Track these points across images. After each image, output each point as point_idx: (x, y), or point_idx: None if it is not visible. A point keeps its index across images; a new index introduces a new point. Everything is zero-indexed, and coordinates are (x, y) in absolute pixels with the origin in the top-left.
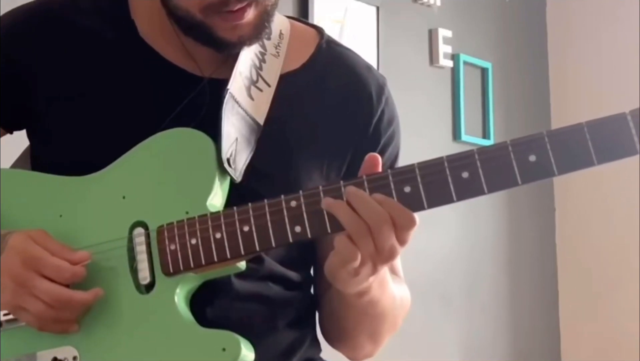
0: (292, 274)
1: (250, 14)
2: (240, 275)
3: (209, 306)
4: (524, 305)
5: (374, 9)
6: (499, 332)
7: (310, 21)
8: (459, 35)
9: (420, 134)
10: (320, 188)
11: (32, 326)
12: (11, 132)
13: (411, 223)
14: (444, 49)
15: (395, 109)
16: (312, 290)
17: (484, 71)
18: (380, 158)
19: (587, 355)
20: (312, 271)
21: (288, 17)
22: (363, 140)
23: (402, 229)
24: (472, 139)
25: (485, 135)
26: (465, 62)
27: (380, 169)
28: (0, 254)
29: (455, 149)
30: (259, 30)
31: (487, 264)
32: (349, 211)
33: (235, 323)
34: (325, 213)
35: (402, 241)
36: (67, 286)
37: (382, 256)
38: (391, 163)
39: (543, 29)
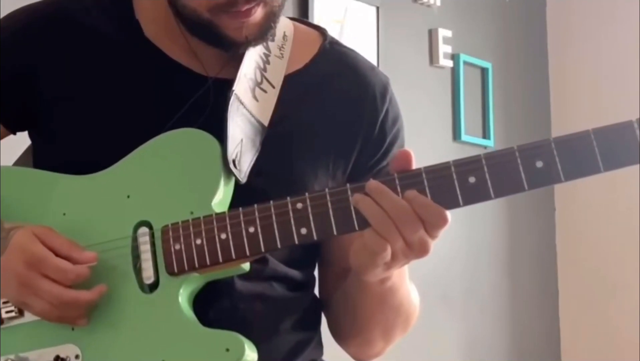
0: (296, 274)
1: (257, 14)
2: (245, 276)
3: (212, 307)
4: (524, 305)
5: (374, 9)
6: (499, 332)
7: (310, 21)
8: (459, 35)
9: (420, 134)
10: (327, 190)
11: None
12: (14, 133)
13: (442, 220)
14: (444, 49)
15: (399, 108)
16: (316, 290)
17: (484, 71)
18: (412, 153)
19: (587, 355)
20: (316, 272)
21: (291, 18)
22: (369, 140)
23: (432, 227)
24: (472, 139)
25: (485, 135)
26: (465, 62)
27: (413, 165)
28: (5, 249)
29: (455, 149)
30: (265, 30)
31: (487, 264)
32: (373, 204)
33: (239, 323)
34: (331, 215)
35: (433, 237)
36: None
37: (413, 251)
38: None
39: (543, 29)
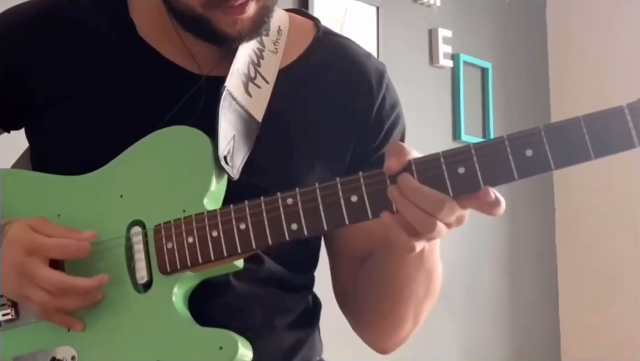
0: (293, 276)
1: (250, 9)
2: (240, 276)
3: (209, 308)
4: (524, 305)
5: (374, 8)
6: (499, 332)
7: (306, 11)
8: (459, 35)
9: (420, 134)
10: (317, 185)
11: (37, 316)
12: (8, 132)
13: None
14: (444, 49)
15: (396, 94)
16: (316, 291)
17: (484, 71)
18: (404, 145)
19: (587, 355)
20: (315, 272)
21: (287, 10)
22: (366, 128)
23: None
24: (472, 139)
25: (485, 135)
26: (465, 62)
27: (409, 157)
28: (0, 244)
29: None
30: (258, 25)
31: (487, 264)
32: (418, 211)
33: (236, 323)
34: (321, 210)
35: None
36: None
37: (452, 227)
38: None
39: (543, 29)
